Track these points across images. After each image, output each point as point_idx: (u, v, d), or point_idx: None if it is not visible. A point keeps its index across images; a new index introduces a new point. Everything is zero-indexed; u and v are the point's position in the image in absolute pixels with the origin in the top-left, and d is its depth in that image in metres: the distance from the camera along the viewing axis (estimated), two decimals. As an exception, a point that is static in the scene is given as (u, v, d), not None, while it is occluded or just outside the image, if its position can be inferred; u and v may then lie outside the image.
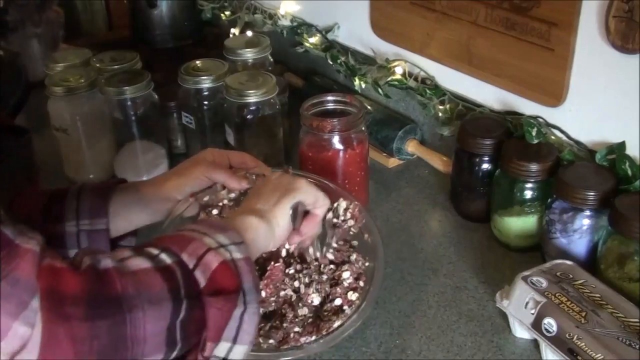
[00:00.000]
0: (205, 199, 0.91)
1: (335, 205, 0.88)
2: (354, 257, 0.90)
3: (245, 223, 0.73)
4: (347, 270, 0.88)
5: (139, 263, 0.59)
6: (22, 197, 0.76)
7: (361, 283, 0.88)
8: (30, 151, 0.81)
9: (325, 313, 0.85)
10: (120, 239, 0.92)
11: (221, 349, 0.63)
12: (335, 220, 0.88)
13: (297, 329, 0.83)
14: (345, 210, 0.89)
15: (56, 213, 0.88)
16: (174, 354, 0.61)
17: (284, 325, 0.83)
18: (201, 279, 0.62)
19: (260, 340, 0.82)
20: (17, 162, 0.76)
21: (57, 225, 0.88)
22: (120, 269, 0.58)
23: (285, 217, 0.78)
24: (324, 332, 0.82)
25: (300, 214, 0.82)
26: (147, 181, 0.94)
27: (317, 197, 0.82)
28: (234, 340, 0.64)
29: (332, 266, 0.89)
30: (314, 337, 0.82)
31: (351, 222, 0.89)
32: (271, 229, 0.76)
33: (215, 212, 0.91)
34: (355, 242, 0.93)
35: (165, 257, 0.60)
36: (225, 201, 0.91)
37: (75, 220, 0.89)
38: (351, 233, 0.90)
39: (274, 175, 0.83)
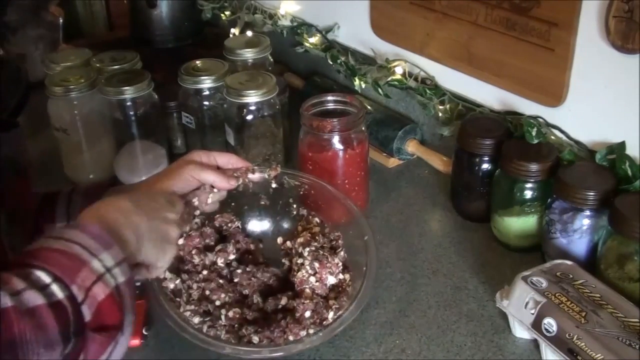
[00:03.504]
0: (194, 200, 0.91)
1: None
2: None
3: (124, 236, 0.70)
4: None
5: (34, 298, 0.58)
6: (11, 192, 0.76)
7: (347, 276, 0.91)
8: (20, 146, 0.81)
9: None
10: None
11: None
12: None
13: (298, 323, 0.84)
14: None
15: (47, 215, 0.88)
16: None
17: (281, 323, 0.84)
18: (87, 313, 0.61)
19: (257, 338, 0.83)
20: (5, 156, 0.76)
21: (47, 226, 0.88)
22: (18, 308, 0.57)
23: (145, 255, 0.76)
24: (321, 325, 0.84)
25: None
26: (137, 184, 0.94)
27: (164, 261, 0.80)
28: None
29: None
30: (312, 331, 0.83)
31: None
32: (138, 249, 0.74)
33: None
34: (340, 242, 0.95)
35: (56, 290, 0.59)
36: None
37: (65, 222, 0.89)
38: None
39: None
